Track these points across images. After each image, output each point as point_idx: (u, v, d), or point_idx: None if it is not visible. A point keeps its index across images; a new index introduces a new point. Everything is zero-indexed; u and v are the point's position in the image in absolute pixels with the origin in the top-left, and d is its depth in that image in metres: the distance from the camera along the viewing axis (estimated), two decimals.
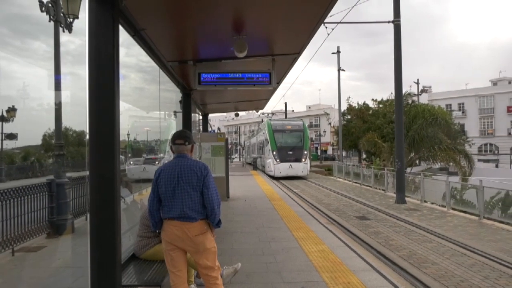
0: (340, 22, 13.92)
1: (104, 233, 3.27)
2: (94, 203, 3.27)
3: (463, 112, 58.15)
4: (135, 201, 6.69)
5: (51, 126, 8.79)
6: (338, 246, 7.03)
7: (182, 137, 3.90)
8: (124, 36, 4.31)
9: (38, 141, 9.47)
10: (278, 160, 27.57)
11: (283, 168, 27.41)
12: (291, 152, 27.70)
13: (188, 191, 3.69)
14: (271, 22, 4.89)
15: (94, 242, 3.25)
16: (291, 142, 28.64)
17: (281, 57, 6.34)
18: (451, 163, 24.35)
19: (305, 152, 28.04)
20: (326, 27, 13.71)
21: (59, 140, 8.79)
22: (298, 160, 27.61)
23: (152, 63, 6.13)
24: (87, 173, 3.40)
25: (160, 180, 3.76)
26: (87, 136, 3.41)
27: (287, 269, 5.80)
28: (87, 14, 3.24)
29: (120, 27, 3.64)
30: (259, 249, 6.97)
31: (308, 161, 28.47)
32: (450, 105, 58.21)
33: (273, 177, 26.64)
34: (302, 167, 27.83)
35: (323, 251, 6.69)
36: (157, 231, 3.96)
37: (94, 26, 3.20)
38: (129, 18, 4.14)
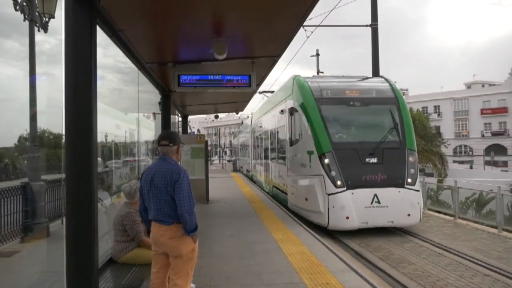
0: (319, 26, 14.11)
1: (81, 236, 3.21)
2: (70, 206, 3.20)
3: (438, 115, 59.56)
4: (113, 204, 6.59)
5: (27, 127, 8.58)
6: (318, 248, 7.08)
7: (167, 138, 3.84)
8: (101, 36, 4.24)
9: (12, 143, 9.23)
10: (343, 183, 9.35)
11: (359, 206, 9.24)
12: (373, 160, 9.69)
13: (158, 195, 3.66)
14: (251, 25, 4.91)
15: (70, 246, 3.18)
16: (368, 131, 10.65)
17: (260, 60, 6.37)
18: (429, 165, 25.07)
19: (410, 160, 9.86)
20: (306, 30, 13.87)
21: (35, 142, 8.58)
22: (393, 180, 9.56)
23: (130, 64, 6.06)
24: (63, 175, 3.33)
25: (142, 181, 3.75)
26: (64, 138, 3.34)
27: (267, 271, 5.81)
28: (63, 14, 3.18)
29: (98, 28, 3.59)
30: (239, 251, 6.96)
31: (418, 183, 10.00)
32: (426, 107, 59.60)
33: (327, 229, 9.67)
34: (407, 202, 9.48)
35: (302, 252, 6.72)
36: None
37: (71, 26, 3.14)
38: (107, 19, 4.09)
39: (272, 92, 19.72)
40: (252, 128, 22.51)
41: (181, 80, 6.33)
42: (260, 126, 17.96)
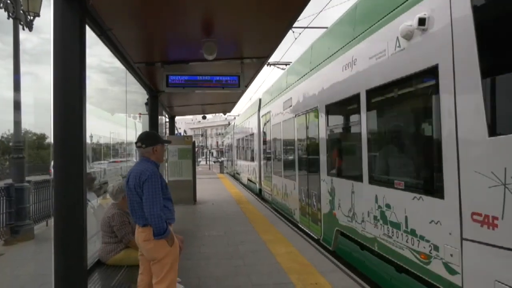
0: (307, 27, 14.16)
1: (70, 238, 3.16)
2: (59, 208, 3.16)
3: None
4: (100, 205, 6.52)
5: (10, 128, 8.47)
6: (306, 248, 7.12)
7: (140, 139, 3.84)
8: (88, 35, 4.20)
9: None
10: None
11: None
12: None
13: (130, 196, 3.68)
14: (241, 26, 4.91)
15: (58, 248, 3.13)
16: None
17: (250, 61, 6.37)
18: None
19: None
20: (294, 32, 13.92)
21: (18, 143, 8.44)
22: None
23: (116, 64, 6.01)
24: (48, 177, 3.29)
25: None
26: (51, 139, 3.29)
27: (256, 272, 5.81)
28: (52, 14, 3.14)
29: (86, 27, 3.55)
30: (227, 252, 6.95)
31: None
32: None
33: None
34: None
35: (291, 253, 6.75)
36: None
37: (60, 26, 3.10)
38: (96, 18, 4.05)
39: (288, 64, 18.35)
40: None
41: (169, 81, 6.29)
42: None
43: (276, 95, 11.89)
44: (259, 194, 15.84)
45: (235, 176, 27.21)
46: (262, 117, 14.52)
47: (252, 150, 17.35)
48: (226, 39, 5.27)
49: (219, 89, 6.54)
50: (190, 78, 6.36)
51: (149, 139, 3.85)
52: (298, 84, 8.95)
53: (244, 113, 22.55)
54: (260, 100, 15.65)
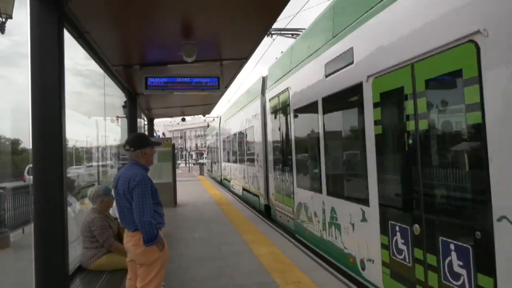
0: (284, 29, 14.30)
1: (51, 244, 3.11)
2: (39, 213, 3.11)
3: None
4: (80, 210, 6.42)
5: None
6: (288, 247, 7.19)
7: (128, 142, 3.79)
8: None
9: None
10: None
11: None
12: None
13: (119, 201, 3.66)
14: (220, 28, 4.94)
15: (39, 255, 3.08)
16: None
17: (229, 62, 6.40)
18: None
19: None
20: (272, 34, 14.02)
21: None
22: None
23: (90, 67, 5.94)
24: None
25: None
26: (30, 144, 3.25)
27: (239, 272, 5.85)
28: (29, 17, 3.09)
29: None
30: (210, 254, 6.96)
31: None
32: None
33: None
34: None
35: (273, 252, 6.81)
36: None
37: (37, 29, 3.05)
38: (73, 21, 4.00)
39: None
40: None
41: (148, 83, 6.25)
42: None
43: (306, 55, 7.18)
44: (265, 212, 11.18)
45: (222, 183, 22.26)
46: (270, 101, 10.03)
47: (251, 151, 12.85)
48: (205, 41, 5.28)
49: (198, 91, 6.55)
50: (169, 80, 6.34)
51: (138, 142, 3.78)
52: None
53: (234, 104, 17.08)
54: (264, 79, 11.26)
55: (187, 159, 67.49)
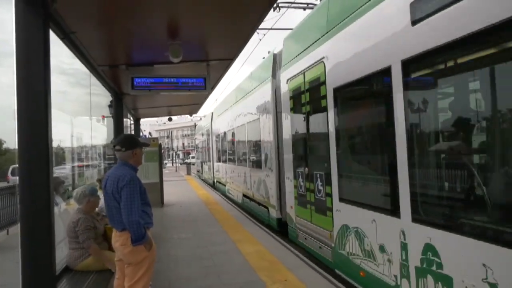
0: (271, 29, 14.38)
1: (37, 245, 3.11)
2: (26, 214, 3.10)
3: None
4: (66, 210, 6.39)
5: None
6: (275, 246, 7.26)
7: (119, 142, 3.82)
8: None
9: None
10: None
11: None
12: None
13: (108, 201, 3.69)
14: (207, 28, 4.97)
15: (26, 255, 3.08)
16: None
17: (216, 63, 6.43)
18: None
19: None
20: (258, 33, 14.07)
21: None
22: None
23: (75, 66, 5.90)
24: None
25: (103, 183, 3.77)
26: (16, 144, 3.24)
27: (226, 271, 5.90)
28: (14, 18, 3.09)
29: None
30: (197, 253, 6.98)
31: None
32: None
33: None
34: None
35: (260, 251, 6.87)
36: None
37: (22, 30, 3.04)
38: (59, 21, 3.99)
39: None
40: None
41: (135, 83, 6.24)
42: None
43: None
44: (277, 227, 8.94)
45: (216, 187, 19.74)
46: (288, 82, 7.50)
47: (256, 150, 10.76)
48: (191, 41, 5.30)
49: (185, 91, 6.57)
50: (155, 81, 6.34)
51: (129, 142, 3.82)
52: None
53: (230, 96, 14.62)
54: (275, 56, 8.97)
55: (174, 159, 67.12)
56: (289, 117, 7.65)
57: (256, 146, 10.70)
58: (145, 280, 3.68)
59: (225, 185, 16.84)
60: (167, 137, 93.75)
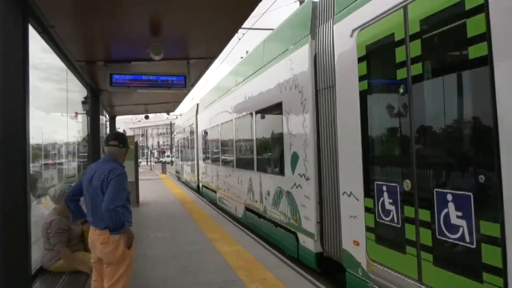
0: (251, 28, 14.40)
1: (13, 245, 3.03)
2: (1, 214, 3.01)
3: None
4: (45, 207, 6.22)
5: None
6: (252, 245, 7.29)
7: (117, 139, 3.86)
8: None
9: None
10: None
11: None
12: None
13: (93, 195, 3.61)
14: (189, 26, 4.93)
15: (1, 256, 2.99)
16: None
17: (196, 61, 6.39)
18: None
19: None
20: (237, 32, 14.08)
21: None
22: None
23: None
24: None
25: (83, 178, 3.69)
26: None
27: (204, 270, 5.88)
28: None
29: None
30: (174, 253, 6.94)
31: None
32: None
33: None
34: None
35: (238, 251, 6.88)
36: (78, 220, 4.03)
37: (0, 24, 2.96)
38: (38, 15, 3.88)
39: None
40: None
41: (113, 80, 6.13)
42: None
43: None
44: (317, 268, 6.05)
45: (202, 193, 16.47)
46: (361, 32, 4.58)
47: (272, 147, 8.03)
48: (173, 39, 5.25)
49: (165, 89, 6.51)
50: (135, 78, 6.26)
51: (125, 140, 3.92)
52: None
53: (231, 76, 11.51)
54: (315, 5, 6.06)
55: (149, 157, 66.25)
56: (353, 92, 4.66)
57: (274, 142, 7.80)
58: (125, 279, 3.64)
59: (215, 192, 13.51)
60: (142, 135, 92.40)
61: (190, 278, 5.56)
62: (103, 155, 3.94)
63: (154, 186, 20.23)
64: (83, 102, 10.29)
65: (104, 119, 13.47)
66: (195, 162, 17.94)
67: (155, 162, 60.33)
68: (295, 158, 6.55)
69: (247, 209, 9.58)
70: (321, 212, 5.81)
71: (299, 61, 6.36)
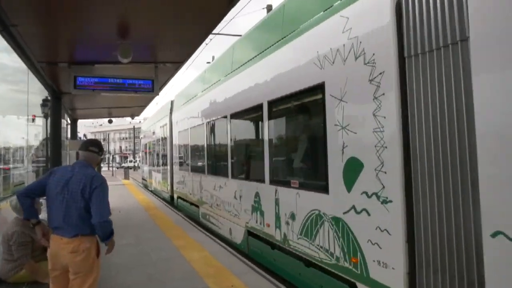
0: (219, 34, 14.40)
1: None
2: None
3: None
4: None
5: None
6: (220, 252, 7.21)
7: (97, 145, 3.79)
8: None
9: None
10: None
11: None
12: None
13: (70, 201, 3.41)
14: (159, 30, 4.89)
15: None
16: None
17: (164, 65, 6.33)
18: None
19: None
20: (207, 38, 14.03)
21: None
22: None
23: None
24: None
25: (51, 180, 3.48)
26: None
27: (170, 278, 5.75)
28: None
29: None
30: (139, 261, 6.75)
31: None
32: None
33: None
34: None
35: (205, 257, 6.79)
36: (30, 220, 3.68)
37: None
38: None
39: None
40: None
41: (77, 82, 5.95)
42: None
43: None
44: None
45: (178, 205, 13.99)
46: None
47: (308, 151, 5.54)
48: (142, 42, 5.19)
49: (132, 93, 6.39)
50: (100, 81, 6.11)
51: (102, 148, 3.86)
52: None
53: (225, 58, 8.95)
54: None
55: (110, 162, 64.51)
56: None
57: (305, 142, 5.59)
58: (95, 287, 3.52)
59: (197, 206, 11.05)
60: (104, 139, 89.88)
61: (157, 286, 5.42)
62: (74, 160, 3.86)
63: (116, 192, 19.66)
64: (42, 105, 9.92)
65: (65, 122, 13.03)
66: (168, 168, 15.24)
67: (117, 168, 58.81)
68: (354, 166, 4.25)
69: (251, 233, 7.13)
70: (413, 258, 3.58)
71: (366, 15, 4.10)
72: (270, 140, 6.31)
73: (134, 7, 4.18)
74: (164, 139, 16.03)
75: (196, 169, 11.13)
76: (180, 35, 5.07)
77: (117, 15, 4.39)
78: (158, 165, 18.14)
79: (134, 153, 68.38)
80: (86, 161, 3.66)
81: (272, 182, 6.15)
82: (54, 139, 8.05)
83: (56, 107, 7.96)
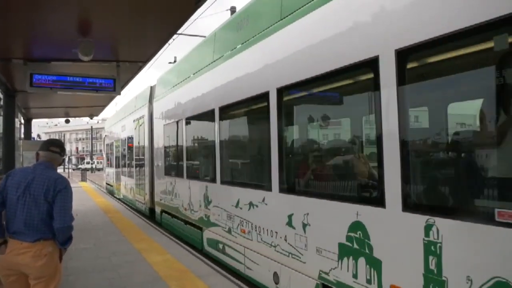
0: (182, 34, 14.25)
1: None
2: None
3: None
4: None
5: None
6: (183, 254, 7.13)
7: (59, 146, 3.62)
8: None
9: None
10: None
11: None
12: None
13: (31, 204, 3.23)
14: (122, 28, 4.78)
15: None
16: None
17: (127, 64, 6.19)
18: None
19: None
20: (171, 38, 13.83)
21: None
22: None
23: None
24: None
25: (9, 183, 3.29)
26: None
27: (132, 283, 5.62)
28: None
29: None
30: (98, 265, 6.55)
31: None
32: None
33: None
34: None
35: (168, 260, 6.69)
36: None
37: None
38: None
39: None
40: None
41: (34, 80, 5.70)
42: None
43: None
44: None
45: (163, 221, 10.50)
46: None
47: None
48: (103, 40, 5.05)
49: (92, 92, 6.21)
50: (59, 79, 5.89)
51: (64, 149, 3.73)
52: None
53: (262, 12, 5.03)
54: None
55: (66, 164, 62.12)
56: None
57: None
58: None
59: (200, 229, 7.72)
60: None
61: None
62: (35, 161, 3.68)
63: (73, 195, 18.97)
64: None
65: (18, 122, 12.43)
66: (146, 172, 12.19)
67: (73, 169, 56.71)
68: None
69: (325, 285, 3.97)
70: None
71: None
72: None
73: (95, 3, 4.06)
74: (139, 135, 13.05)
75: (197, 176, 8.08)
76: (143, 35, 4.99)
77: (77, 10, 4.25)
78: (130, 167, 14.80)
79: (91, 155, 66.16)
80: (49, 161, 3.51)
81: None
82: (6, 140, 7.66)
83: (9, 106, 7.58)
